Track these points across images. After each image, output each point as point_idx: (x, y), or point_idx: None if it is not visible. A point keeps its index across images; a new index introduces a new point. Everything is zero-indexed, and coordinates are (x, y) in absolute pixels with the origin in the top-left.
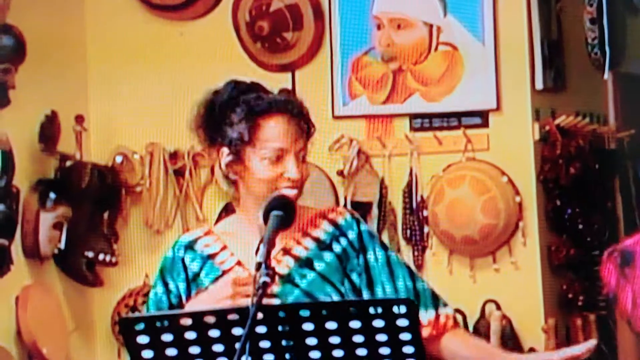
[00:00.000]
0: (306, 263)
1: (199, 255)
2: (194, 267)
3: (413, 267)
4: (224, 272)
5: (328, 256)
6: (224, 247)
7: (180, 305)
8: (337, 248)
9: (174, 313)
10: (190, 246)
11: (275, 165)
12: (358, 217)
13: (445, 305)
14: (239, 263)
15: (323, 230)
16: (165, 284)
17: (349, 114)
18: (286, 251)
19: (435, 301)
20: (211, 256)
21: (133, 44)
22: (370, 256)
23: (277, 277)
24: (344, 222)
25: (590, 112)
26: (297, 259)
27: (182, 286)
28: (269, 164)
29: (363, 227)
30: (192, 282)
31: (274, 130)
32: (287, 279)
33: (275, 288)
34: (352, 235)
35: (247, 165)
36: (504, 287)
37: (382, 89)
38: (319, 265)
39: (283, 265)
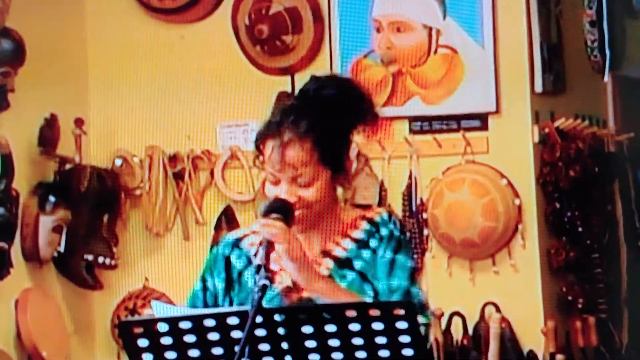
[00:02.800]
0: (345, 263)
1: (244, 253)
2: (239, 265)
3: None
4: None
5: (366, 253)
6: None
7: (216, 304)
8: (373, 243)
9: (174, 316)
10: (236, 244)
11: (275, 187)
12: (391, 215)
13: (426, 317)
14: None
15: (362, 229)
16: (204, 281)
17: None
18: (326, 253)
19: (422, 310)
20: (256, 255)
21: (133, 47)
22: (380, 251)
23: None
24: (380, 219)
25: (589, 115)
26: (336, 259)
27: (220, 286)
28: (271, 185)
29: (391, 226)
30: (236, 281)
31: (266, 155)
32: None
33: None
34: (385, 232)
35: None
36: (503, 289)
37: (381, 91)
38: (357, 264)
39: (323, 267)
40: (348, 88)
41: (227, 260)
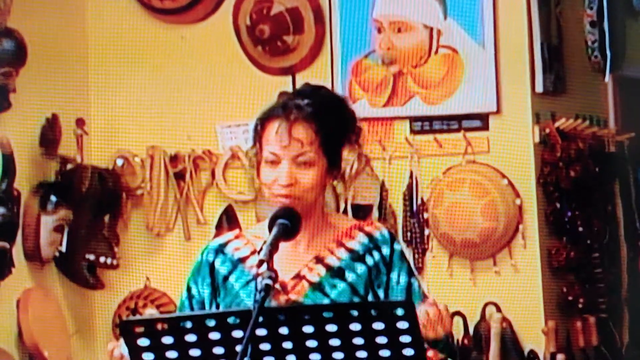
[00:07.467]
0: (337, 273)
1: (229, 258)
2: (223, 270)
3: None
4: (255, 277)
5: (360, 267)
6: (254, 252)
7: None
8: (369, 261)
9: (175, 316)
10: (220, 249)
11: (272, 169)
12: (394, 234)
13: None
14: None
15: (358, 241)
16: (189, 289)
17: None
18: (319, 260)
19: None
20: (241, 260)
21: (134, 47)
22: (394, 276)
23: (307, 284)
24: (380, 237)
25: (590, 115)
26: (329, 268)
27: (206, 291)
28: (268, 167)
29: (397, 246)
30: (222, 286)
31: (270, 134)
32: (317, 287)
33: (304, 294)
34: (385, 251)
35: (259, 170)
36: (504, 289)
37: (382, 92)
38: (350, 276)
39: (314, 273)
40: (338, 99)
41: (212, 266)
